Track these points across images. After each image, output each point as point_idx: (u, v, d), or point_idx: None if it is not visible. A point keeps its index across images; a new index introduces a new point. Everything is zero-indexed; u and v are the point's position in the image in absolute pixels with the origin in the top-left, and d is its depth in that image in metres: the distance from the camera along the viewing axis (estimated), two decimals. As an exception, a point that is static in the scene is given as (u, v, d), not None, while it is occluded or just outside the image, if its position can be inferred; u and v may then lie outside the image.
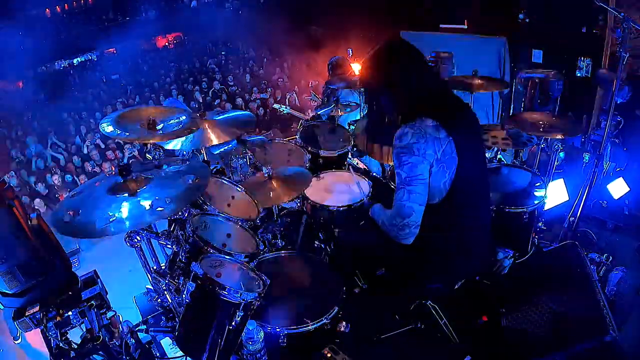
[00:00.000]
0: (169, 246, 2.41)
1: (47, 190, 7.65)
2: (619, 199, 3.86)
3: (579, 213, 3.33)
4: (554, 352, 2.23)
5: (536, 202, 2.94)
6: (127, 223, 1.82)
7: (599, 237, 3.63)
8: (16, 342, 4.35)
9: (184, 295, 1.98)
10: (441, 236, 2.00)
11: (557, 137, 3.17)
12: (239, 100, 10.67)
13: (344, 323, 2.25)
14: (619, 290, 2.76)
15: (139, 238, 2.32)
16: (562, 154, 4.54)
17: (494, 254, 2.55)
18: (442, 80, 2.07)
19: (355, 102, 4.25)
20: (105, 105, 10.91)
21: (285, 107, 6.17)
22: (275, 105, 6.32)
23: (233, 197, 2.80)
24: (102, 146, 8.95)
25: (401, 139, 1.85)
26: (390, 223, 1.98)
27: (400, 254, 2.13)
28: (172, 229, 2.47)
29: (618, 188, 3.89)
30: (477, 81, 3.63)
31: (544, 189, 3.03)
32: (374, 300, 2.94)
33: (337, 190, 3.19)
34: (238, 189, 2.82)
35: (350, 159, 3.86)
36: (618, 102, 3.72)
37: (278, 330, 2.09)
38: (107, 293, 2.27)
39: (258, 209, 2.70)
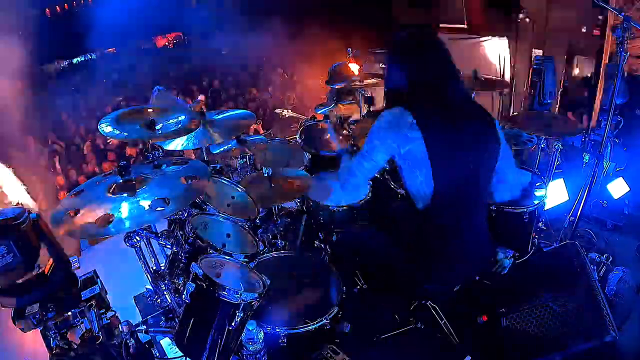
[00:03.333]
0: (169, 246, 2.41)
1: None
2: (619, 199, 3.86)
3: (579, 213, 3.33)
4: (554, 352, 2.23)
5: (536, 202, 2.94)
6: (127, 223, 1.82)
7: (599, 237, 3.63)
8: None
9: (183, 296, 1.98)
10: (437, 237, 2.00)
11: (557, 137, 3.17)
12: (240, 100, 10.68)
13: (344, 323, 2.25)
14: (619, 290, 2.75)
15: (138, 238, 2.32)
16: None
17: (494, 254, 2.54)
18: (458, 79, 1.99)
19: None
20: (105, 105, 10.90)
21: (287, 111, 6.16)
22: (277, 110, 6.31)
23: (233, 197, 2.80)
24: (102, 146, 8.94)
25: (379, 119, 1.95)
26: (341, 172, 2.16)
27: (400, 254, 2.13)
28: (171, 229, 2.47)
29: (618, 188, 3.89)
30: (477, 81, 3.63)
31: (544, 189, 3.03)
32: (374, 300, 2.95)
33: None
34: (238, 189, 2.82)
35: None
36: (617, 103, 3.72)
37: (278, 330, 2.09)
38: (107, 293, 2.27)
39: (258, 209, 2.70)
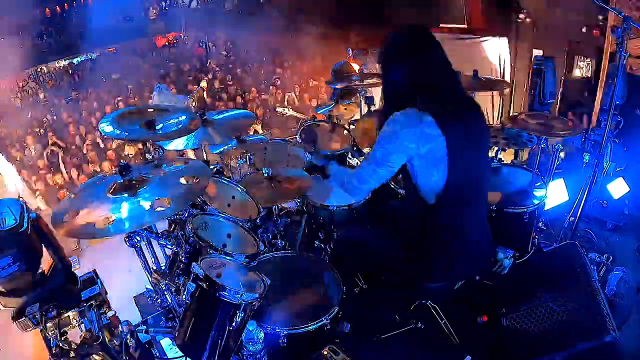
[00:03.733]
0: (169, 247, 2.41)
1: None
2: (619, 199, 3.86)
3: (579, 213, 3.33)
4: (554, 352, 2.23)
5: (536, 202, 2.94)
6: (127, 223, 1.82)
7: (599, 237, 3.63)
8: None
9: (183, 296, 1.98)
10: (439, 236, 2.00)
11: (557, 137, 3.17)
12: (239, 100, 10.68)
13: (344, 323, 2.25)
14: (619, 290, 2.76)
15: (138, 238, 2.32)
16: (562, 154, 4.53)
17: (494, 254, 2.55)
18: (456, 77, 1.99)
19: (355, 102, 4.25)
20: (105, 104, 10.91)
21: (288, 110, 6.16)
22: (279, 109, 6.30)
23: (233, 197, 2.80)
24: (102, 146, 8.94)
25: (389, 123, 1.88)
26: (349, 181, 2.09)
27: (400, 253, 2.13)
28: (172, 229, 2.47)
29: (618, 188, 3.89)
30: (477, 81, 3.63)
31: (544, 189, 3.03)
32: (374, 300, 2.95)
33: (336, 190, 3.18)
34: (238, 189, 2.82)
35: (351, 158, 3.86)
36: (617, 103, 3.72)
37: (278, 330, 2.09)
38: (107, 293, 2.27)
39: (258, 209, 2.70)
